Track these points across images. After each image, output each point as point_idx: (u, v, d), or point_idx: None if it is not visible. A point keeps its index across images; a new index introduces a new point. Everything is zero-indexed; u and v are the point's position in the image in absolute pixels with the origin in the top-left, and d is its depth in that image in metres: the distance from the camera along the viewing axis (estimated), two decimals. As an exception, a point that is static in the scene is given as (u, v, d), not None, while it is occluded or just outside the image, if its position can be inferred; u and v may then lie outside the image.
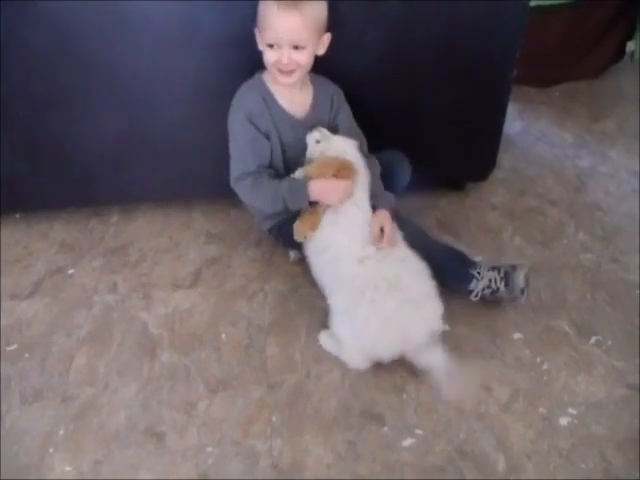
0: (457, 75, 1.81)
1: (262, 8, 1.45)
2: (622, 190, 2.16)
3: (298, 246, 1.66)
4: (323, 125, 1.63)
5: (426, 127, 1.90)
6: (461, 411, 1.43)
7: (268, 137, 1.60)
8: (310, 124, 1.62)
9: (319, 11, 1.46)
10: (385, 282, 1.41)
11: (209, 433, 1.38)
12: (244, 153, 1.59)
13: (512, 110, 1.93)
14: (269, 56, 1.48)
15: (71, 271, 1.82)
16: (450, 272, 1.59)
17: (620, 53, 2.98)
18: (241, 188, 1.60)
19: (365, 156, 1.62)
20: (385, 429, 1.39)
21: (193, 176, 1.93)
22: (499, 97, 1.88)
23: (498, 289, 1.58)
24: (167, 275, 1.80)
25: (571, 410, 1.43)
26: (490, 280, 1.58)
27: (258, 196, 1.59)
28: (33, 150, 1.82)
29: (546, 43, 2.65)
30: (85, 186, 1.93)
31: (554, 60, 2.78)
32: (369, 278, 1.43)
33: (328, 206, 1.50)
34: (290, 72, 1.51)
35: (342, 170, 1.49)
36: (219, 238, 1.95)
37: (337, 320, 1.50)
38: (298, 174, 1.55)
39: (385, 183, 1.66)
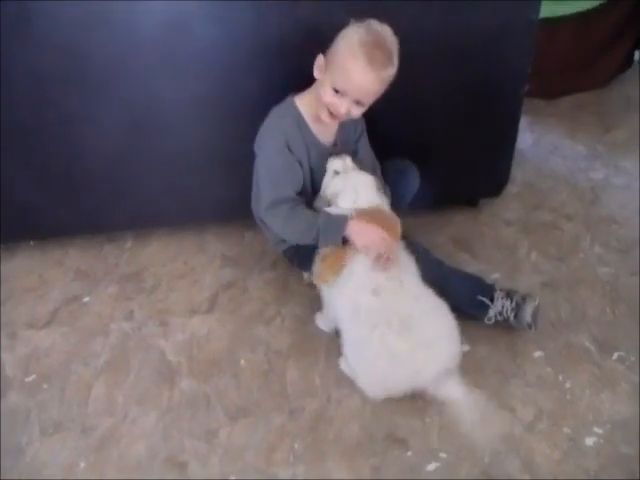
0: (468, 92, 1.81)
1: (345, 52, 1.40)
2: (637, 202, 2.14)
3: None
4: (348, 150, 1.64)
5: (438, 144, 1.89)
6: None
7: (301, 163, 1.58)
8: (337, 150, 1.63)
9: (393, 74, 1.45)
10: (398, 320, 1.39)
11: (231, 462, 1.37)
12: (280, 180, 1.55)
13: (522, 123, 1.92)
14: (328, 97, 1.45)
15: (87, 299, 1.82)
16: (465, 301, 1.59)
17: (627, 62, 2.97)
18: (275, 215, 1.55)
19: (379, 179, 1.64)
20: (409, 453, 1.37)
21: (206, 199, 1.93)
22: (511, 113, 1.88)
23: (508, 318, 1.57)
24: (183, 301, 1.80)
25: (597, 429, 1.41)
26: (503, 307, 1.57)
27: (292, 224, 1.54)
28: (46, 177, 1.82)
29: (553, 54, 2.65)
30: (98, 212, 1.93)
31: (562, 71, 2.78)
32: (382, 312, 1.41)
33: (354, 252, 1.47)
34: (338, 117, 1.50)
35: (387, 227, 1.47)
36: (234, 261, 1.94)
37: (349, 350, 1.49)
38: (330, 209, 1.53)
39: (396, 191, 1.67)
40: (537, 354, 1.60)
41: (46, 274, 1.92)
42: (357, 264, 1.46)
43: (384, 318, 1.39)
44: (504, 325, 1.60)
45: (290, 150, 1.54)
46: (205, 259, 1.95)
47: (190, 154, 1.84)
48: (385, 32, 1.42)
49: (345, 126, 1.64)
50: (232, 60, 1.66)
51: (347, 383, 1.52)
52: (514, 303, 1.57)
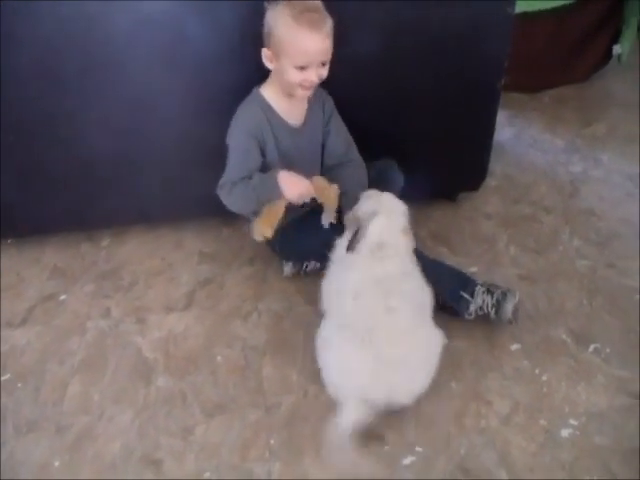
0: (445, 85, 1.81)
1: (288, 32, 1.43)
2: (615, 194, 2.15)
3: (295, 258, 1.74)
4: (318, 130, 1.68)
5: (416, 138, 1.88)
6: (462, 425, 1.41)
7: (265, 147, 1.61)
8: (307, 131, 1.66)
9: (331, 22, 1.47)
10: (368, 333, 1.35)
11: (207, 458, 1.36)
12: (235, 163, 1.60)
13: (502, 117, 1.92)
14: (296, 76, 1.49)
15: (63, 297, 1.81)
16: (446, 295, 1.58)
17: (607, 56, 2.98)
18: (221, 193, 1.61)
19: (355, 159, 1.70)
20: (386, 448, 1.37)
21: (183, 196, 1.92)
22: (488, 107, 1.88)
23: (489, 314, 1.58)
24: (160, 298, 1.79)
25: (572, 421, 1.41)
26: (483, 302, 1.57)
27: (234, 197, 1.59)
28: (23, 176, 1.81)
29: (533, 48, 2.66)
30: (76, 210, 1.91)
31: (542, 65, 2.78)
32: (356, 319, 1.38)
33: (287, 206, 1.56)
34: (312, 86, 1.53)
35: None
36: (212, 258, 1.93)
37: (318, 345, 1.48)
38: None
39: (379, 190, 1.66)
40: (514, 347, 1.60)
41: (23, 272, 1.91)
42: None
43: (357, 327, 1.37)
44: (484, 319, 1.60)
45: (252, 136, 1.58)
46: (182, 255, 1.95)
47: (169, 152, 1.83)
48: None
49: (313, 106, 1.67)
50: (208, 57, 1.66)
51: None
52: (494, 299, 1.57)
